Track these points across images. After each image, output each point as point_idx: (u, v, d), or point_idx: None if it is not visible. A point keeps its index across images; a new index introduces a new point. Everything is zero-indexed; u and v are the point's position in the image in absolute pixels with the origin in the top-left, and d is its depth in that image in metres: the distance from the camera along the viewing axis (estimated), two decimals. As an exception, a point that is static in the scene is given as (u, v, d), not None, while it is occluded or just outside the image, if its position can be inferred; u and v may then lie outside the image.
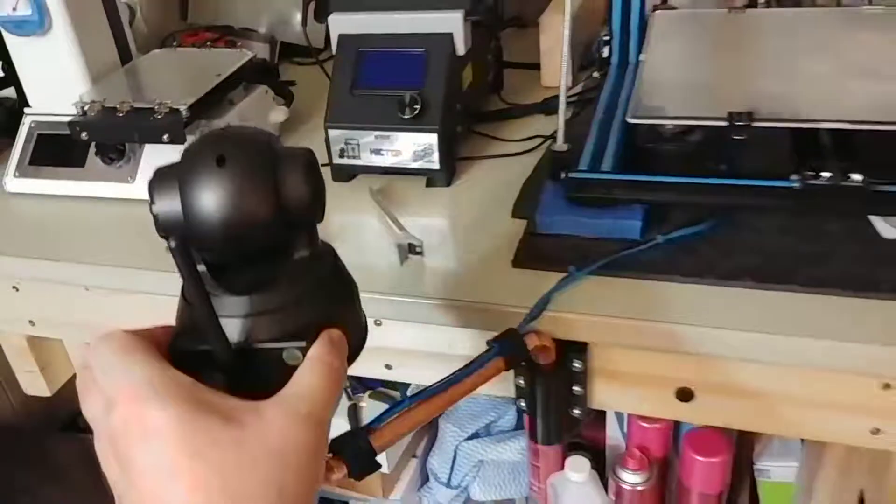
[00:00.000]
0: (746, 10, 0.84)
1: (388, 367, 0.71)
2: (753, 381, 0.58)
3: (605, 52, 0.86)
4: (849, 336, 0.53)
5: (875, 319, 0.54)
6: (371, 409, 1.01)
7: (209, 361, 0.34)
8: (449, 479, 1.11)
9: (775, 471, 0.90)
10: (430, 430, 1.15)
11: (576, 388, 0.62)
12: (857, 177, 0.57)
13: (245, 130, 0.38)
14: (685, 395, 0.60)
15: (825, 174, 0.58)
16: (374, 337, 0.68)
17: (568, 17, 0.64)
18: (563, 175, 0.65)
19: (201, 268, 0.36)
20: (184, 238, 0.34)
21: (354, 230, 0.74)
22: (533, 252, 0.64)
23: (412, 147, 0.76)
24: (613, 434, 1.00)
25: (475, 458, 1.08)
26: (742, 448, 0.93)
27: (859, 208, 0.61)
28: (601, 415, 1.03)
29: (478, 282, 0.64)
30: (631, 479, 0.90)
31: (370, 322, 0.67)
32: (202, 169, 0.35)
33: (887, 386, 0.55)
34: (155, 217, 0.36)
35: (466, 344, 0.66)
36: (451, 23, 0.75)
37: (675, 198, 0.61)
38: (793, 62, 0.70)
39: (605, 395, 0.64)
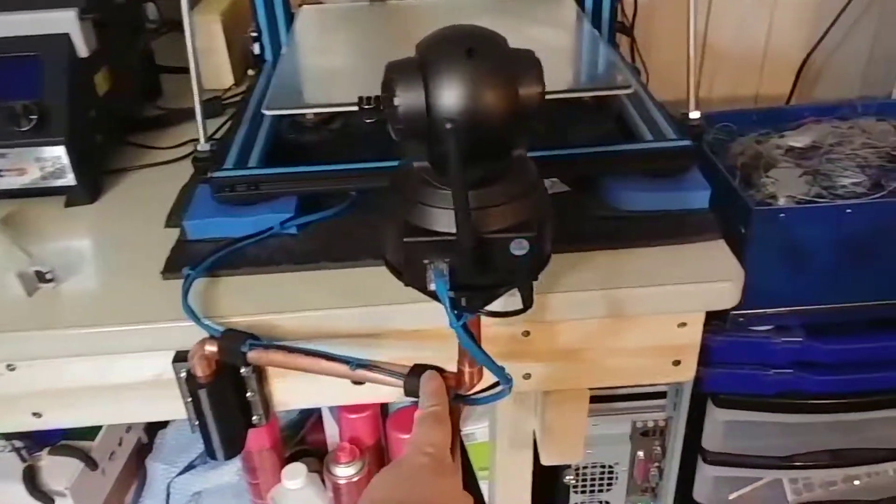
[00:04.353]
0: (386, 1, 0.88)
1: (36, 414, 0.62)
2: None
3: (256, 48, 0.85)
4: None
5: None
6: (52, 467, 0.89)
7: (440, 249, 0.37)
8: (167, 519, 1.02)
9: (479, 432, 0.96)
10: (139, 474, 1.05)
11: (249, 394, 0.59)
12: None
13: (481, 28, 0.37)
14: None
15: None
16: (11, 382, 0.60)
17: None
18: (208, 176, 0.62)
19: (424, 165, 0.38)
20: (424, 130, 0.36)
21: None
22: (183, 260, 0.60)
23: (38, 164, 0.67)
24: (331, 432, 1.00)
25: (190, 490, 1.00)
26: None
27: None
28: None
29: (127, 301, 0.58)
30: (344, 472, 0.90)
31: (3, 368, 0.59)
32: (451, 60, 0.35)
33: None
34: (394, 109, 0.36)
35: (125, 371, 0.60)
36: (66, 23, 0.68)
37: (315, 187, 0.60)
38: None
39: (284, 393, 0.62)
